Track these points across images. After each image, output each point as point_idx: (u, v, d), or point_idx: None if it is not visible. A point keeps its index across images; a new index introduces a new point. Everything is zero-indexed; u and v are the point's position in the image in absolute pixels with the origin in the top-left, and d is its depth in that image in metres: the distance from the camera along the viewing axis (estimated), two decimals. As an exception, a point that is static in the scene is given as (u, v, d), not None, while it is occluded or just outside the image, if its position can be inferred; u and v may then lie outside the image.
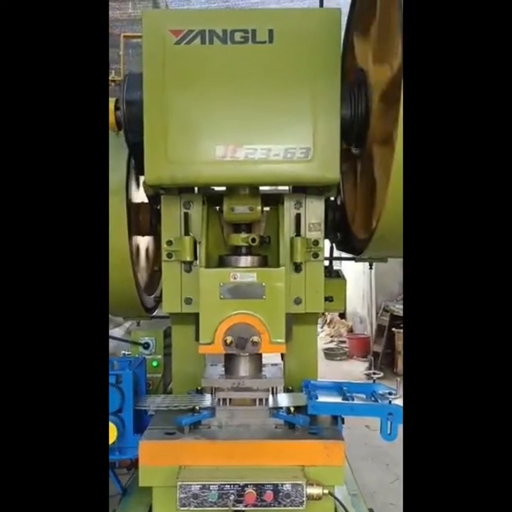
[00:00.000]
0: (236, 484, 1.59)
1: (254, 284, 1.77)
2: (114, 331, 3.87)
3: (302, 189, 1.95)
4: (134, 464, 2.17)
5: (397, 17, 1.44)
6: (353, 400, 1.88)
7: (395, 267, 8.70)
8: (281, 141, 1.61)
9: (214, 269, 1.83)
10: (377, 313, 8.55)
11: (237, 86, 1.61)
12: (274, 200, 1.97)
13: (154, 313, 2.56)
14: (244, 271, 1.79)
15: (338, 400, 1.94)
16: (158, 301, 2.28)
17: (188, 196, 1.93)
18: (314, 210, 1.94)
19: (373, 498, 3.37)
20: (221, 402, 1.83)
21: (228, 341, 1.74)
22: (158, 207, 2.14)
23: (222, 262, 1.90)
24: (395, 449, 3.70)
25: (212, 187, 1.93)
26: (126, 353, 2.51)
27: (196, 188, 1.97)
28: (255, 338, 1.74)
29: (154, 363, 2.46)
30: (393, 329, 7.77)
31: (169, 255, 1.92)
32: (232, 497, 1.57)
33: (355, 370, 8.26)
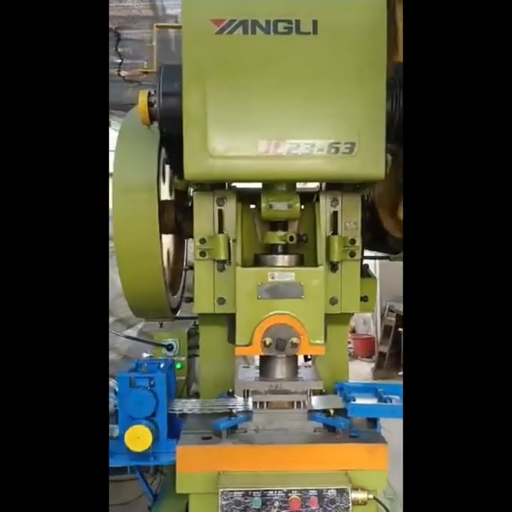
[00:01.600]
0: (280, 490, 1.54)
1: (293, 283, 1.72)
2: (127, 333, 3.81)
3: (338, 186, 1.90)
4: (156, 468, 2.12)
5: None
6: (391, 401, 1.84)
7: (399, 268, 8.69)
8: (325, 136, 1.56)
9: (251, 269, 1.77)
10: (382, 313, 8.52)
11: (281, 78, 1.56)
12: (309, 198, 1.92)
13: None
14: (283, 270, 1.74)
15: (375, 401, 1.90)
16: (188, 301, 2.22)
17: (222, 192, 1.88)
18: (351, 208, 1.89)
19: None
20: (258, 406, 1.77)
21: (267, 343, 1.69)
22: (189, 203, 2.09)
23: (258, 261, 1.84)
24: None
25: (252, 183, 1.88)
26: (146, 355, 2.46)
27: (227, 184, 1.92)
28: (294, 340, 1.69)
29: (178, 365, 2.41)
30: (400, 329, 7.72)
31: (202, 254, 1.86)
32: (276, 503, 1.52)
33: (361, 370, 8.22)
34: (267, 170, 1.58)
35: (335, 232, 1.85)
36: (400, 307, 8.05)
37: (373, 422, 1.82)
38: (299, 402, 1.78)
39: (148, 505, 2.00)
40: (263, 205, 1.76)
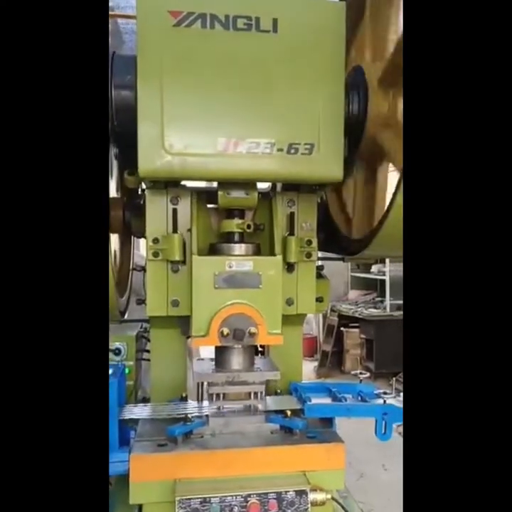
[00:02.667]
0: (238, 495, 1.51)
1: (251, 273, 1.70)
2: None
3: (295, 187, 1.90)
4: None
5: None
6: (346, 400, 1.86)
7: (340, 268, 8.95)
8: (285, 136, 1.55)
9: (209, 257, 1.73)
10: (324, 313, 8.72)
11: (240, 75, 1.53)
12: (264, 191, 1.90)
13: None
14: (240, 259, 1.71)
15: (329, 401, 1.92)
16: (139, 303, 2.13)
17: (176, 191, 1.82)
18: (307, 209, 1.90)
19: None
20: (214, 398, 1.73)
21: (225, 333, 1.65)
22: (140, 201, 2.01)
23: (214, 250, 1.80)
24: (357, 447, 3.77)
25: (210, 181, 1.83)
26: None
27: (182, 183, 1.87)
28: (253, 329, 1.67)
29: (126, 370, 2.30)
30: (342, 329, 7.95)
31: (155, 254, 1.80)
32: (235, 509, 1.49)
33: (304, 369, 8.34)
34: (225, 169, 1.55)
35: (291, 232, 1.85)
36: (341, 307, 8.30)
37: (329, 421, 1.84)
38: (256, 393, 1.77)
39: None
40: (220, 193, 1.72)
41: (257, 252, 1.81)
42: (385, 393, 1.86)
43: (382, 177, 1.89)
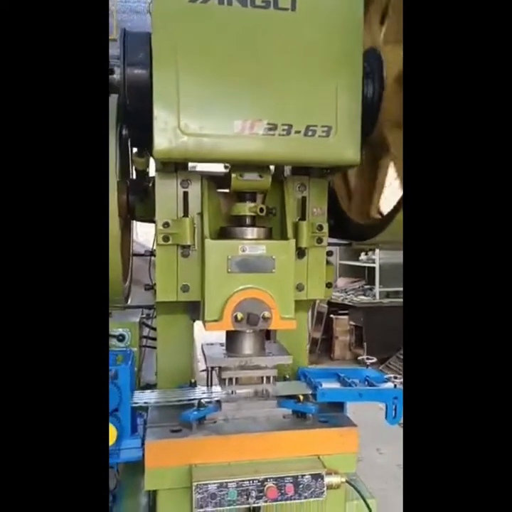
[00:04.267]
0: (255, 479, 1.50)
1: (264, 257, 1.68)
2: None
3: (306, 171, 1.88)
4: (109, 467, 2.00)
5: None
6: (356, 385, 1.87)
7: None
8: (302, 118, 1.52)
9: (222, 241, 1.70)
10: (314, 301, 8.76)
11: (258, 55, 1.50)
12: (276, 174, 1.87)
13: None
14: (254, 243, 1.69)
15: (338, 386, 1.92)
16: (148, 289, 2.10)
17: (186, 174, 1.78)
18: (318, 193, 1.88)
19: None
20: (227, 382, 1.72)
21: (239, 317, 1.64)
22: (146, 185, 1.97)
23: (225, 234, 1.77)
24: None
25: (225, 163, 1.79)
26: None
27: (190, 167, 1.83)
28: (266, 314, 1.66)
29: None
30: (331, 316, 8.01)
31: (165, 238, 1.76)
32: (253, 493, 1.48)
33: (293, 356, 8.40)
34: (241, 150, 1.52)
35: (303, 217, 1.83)
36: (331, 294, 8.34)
37: (340, 406, 1.84)
38: (268, 378, 1.76)
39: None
40: (233, 175, 1.68)
41: (269, 236, 1.79)
42: (395, 378, 1.87)
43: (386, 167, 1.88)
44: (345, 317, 7.91)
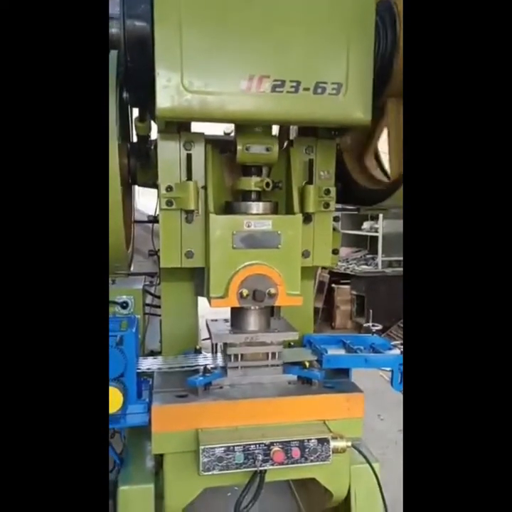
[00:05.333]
0: (262, 443, 1.51)
1: (270, 232, 1.64)
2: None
3: (313, 132, 1.81)
4: (116, 432, 2.02)
5: None
6: (361, 352, 1.86)
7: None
8: (311, 75, 1.45)
9: (227, 216, 1.66)
10: (315, 270, 8.75)
11: (264, 8, 1.41)
12: (280, 143, 1.81)
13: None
14: (259, 218, 1.64)
15: (343, 352, 1.92)
16: (151, 254, 2.07)
17: (189, 135, 1.72)
18: (325, 156, 1.82)
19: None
20: (233, 358, 1.71)
21: (244, 294, 1.61)
22: (148, 148, 1.91)
23: (230, 209, 1.73)
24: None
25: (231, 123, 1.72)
26: None
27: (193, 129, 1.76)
28: (272, 290, 1.63)
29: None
30: (333, 285, 8.02)
31: (169, 203, 1.71)
32: (259, 457, 1.49)
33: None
34: (248, 109, 1.45)
35: (310, 181, 1.78)
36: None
37: (345, 373, 1.84)
38: (273, 354, 1.74)
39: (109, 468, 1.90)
40: (239, 147, 1.63)
41: (275, 210, 1.74)
42: (402, 344, 1.85)
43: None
44: (347, 287, 7.91)
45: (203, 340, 2.04)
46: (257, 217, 1.64)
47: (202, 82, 1.41)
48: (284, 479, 2.08)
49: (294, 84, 1.44)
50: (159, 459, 1.66)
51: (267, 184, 1.67)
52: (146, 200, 2.70)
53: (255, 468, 1.49)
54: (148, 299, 2.56)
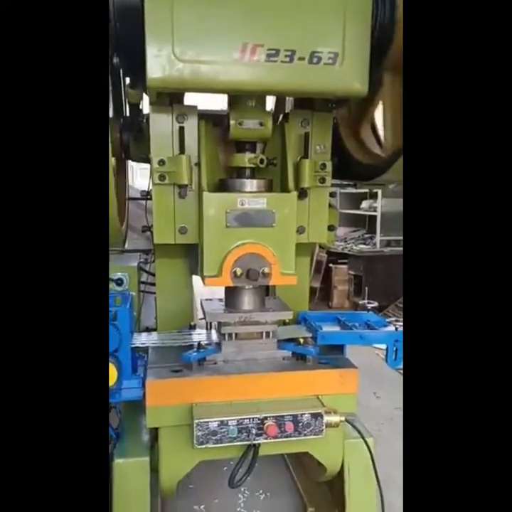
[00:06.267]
0: (255, 417, 1.51)
1: (264, 211, 1.62)
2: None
3: (309, 104, 1.77)
4: (111, 407, 2.03)
5: None
6: (356, 328, 1.86)
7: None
8: (306, 44, 1.41)
9: (220, 194, 1.63)
10: (313, 250, 8.74)
11: None
12: (275, 118, 1.78)
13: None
14: (253, 196, 1.62)
15: (338, 329, 1.91)
16: (145, 230, 2.05)
17: (182, 108, 1.68)
18: (322, 129, 1.79)
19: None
20: (227, 337, 1.71)
21: (238, 273, 1.60)
22: (141, 121, 1.87)
23: (224, 186, 1.70)
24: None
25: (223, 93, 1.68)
26: None
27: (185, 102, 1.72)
28: (266, 270, 1.62)
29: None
30: (330, 265, 8.01)
31: (162, 177, 1.68)
32: (253, 430, 1.50)
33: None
34: (241, 79, 1.41)
35: (305, 155, 1.75)
36: (329, 244, 8.30)
37: (340, 350, 1.84)
38: (267, 333, 1.74)
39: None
40: (232, 122, 1.59)
41: (269, 188, 1.71)
42: (397, 321, 1.85)
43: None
44: (345, 266, 7.89)
45: (200, 319, 2.04)
46: (251, 195, 1.62)
47: (194, 51, 1.37)
48: (278, 453, 2.10)
49: (289, 53, 1.39)
50: (154, 433, 1.68)
51: (262, 161, 1.64)
52: (144, 181, 2.68)
53: (249, 442, 1.50)
54: (144, 277, 2.55)
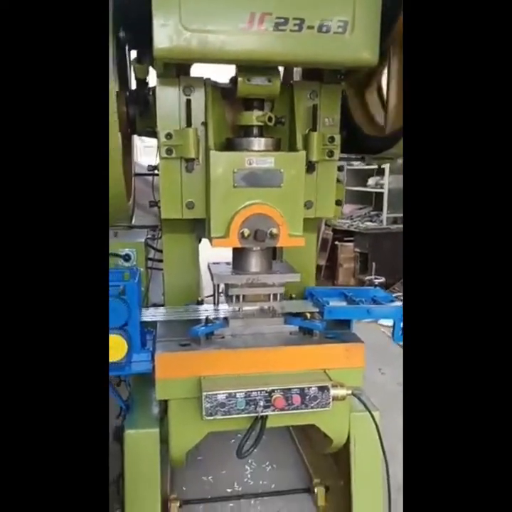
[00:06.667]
0: (263, 390, 1.53)
1: (272, 170, 1.60)
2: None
3: (318, 76, 1.74)
4: (121, 380, 2.06)
5: None
6: (363, 303, 1.86)
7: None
8: (315, 12, 1.37)
9: (228, 153, 1.61)
10: (318, 227, 8.70)
11: None
12: (284, 81, 1.74)
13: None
14: (261, 155, 1.60)
15: (345, 304, 1.92)
16: (152, 205, 2.04)
17: (188, 80, 1.65)
18: (330, 101, 1.76)
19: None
20: (234, 300, 1.71)
21: (245, 234, 1.59)
22: (147, 94, 1.84)
23: (231, 145, 1.67)
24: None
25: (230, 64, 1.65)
26: None
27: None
28: (274, 230, 1.61)
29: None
30: (336, 243, 7.98)
31: (169, 151, 1.67)
32: (260, 403, 1.52)
33: (298, 283, 8.49)
34: (249, 48, 1.38)
35: (313, 128, 1.72)
36: (335, 221, 8.25)
37: (346, 325, 1.84)
38: (274, 295, 1.75)
39: (116, 414, 1.96)
40: (240, 78, 1.56)
41: (277, 147, 1.69)
42: (391, 300, 1.85)
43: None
44: (351, 244, 7.86)
45: (207, 297, 2.05)
46: (258, 154, 1.60)
47: (201, 20, 1.34)
48: (284, 425, 2.14)
49: (298, 22, 1.36)
50: (164, 406, 1.70)
51: (270, 118, 1.61)
52: (148, 159, 2.66)
53: (256, 414, 1.52)
54: (151, 254, 2.56)
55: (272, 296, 1.75)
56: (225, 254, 1.88)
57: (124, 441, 1.63)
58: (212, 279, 1.76)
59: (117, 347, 1.52)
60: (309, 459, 2.36)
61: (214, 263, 1.88)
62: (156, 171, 1.85)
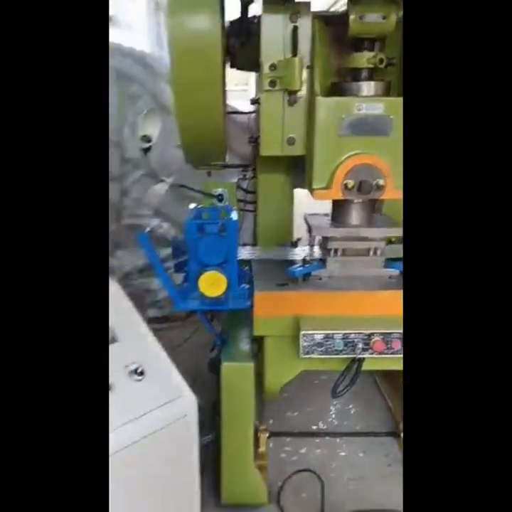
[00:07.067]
0: (362, 333, 1.51)
1: (381, 117, 1.49)
2: (157, 188, 3.64)
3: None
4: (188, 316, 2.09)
5: None
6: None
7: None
8: None
9: (336, 98, 1.52)
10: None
11: None
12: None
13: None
14: (371, 100, 1.49)
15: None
16: (252, 141, 2.01)
17: (295, 6, 1.55)
18: None
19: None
20: (332, 253, 1.67)
21: (349, 185, 1.52)
22: (254, 20, 1.75)
23: (338, 90, 1.57)
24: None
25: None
26: (193, 205, 2.27)
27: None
28: (380, 182, 1.53)
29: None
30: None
31: (272, 83, 1.60)
32: (359, 345, 1.50)
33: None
34: None
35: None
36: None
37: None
38: (375, 250, 1.68)
39: (210, 348, 2.04)
40: (352, 16, 1.44)
41: (387, 92, 1.56)
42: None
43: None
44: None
45: (297, 240, 2.01)
46: (367, 100, 1.49)
47: None
48: (379, 369, 2.11)
49: None
50: (258, 343, 1.74)
51: (381, 60, 1.49)
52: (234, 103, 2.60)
53: (354, 356, 1.51)
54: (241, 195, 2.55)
55: (372, 251, 1.68)
56: (315, 205, 1.81)
57: (220, 373, 1.70)
58: (309, 231, 1.72)
59: (217, 283, 1.55)
60: (395, 407, 2.35)
61: (311, 214, 1.83)
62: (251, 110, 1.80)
